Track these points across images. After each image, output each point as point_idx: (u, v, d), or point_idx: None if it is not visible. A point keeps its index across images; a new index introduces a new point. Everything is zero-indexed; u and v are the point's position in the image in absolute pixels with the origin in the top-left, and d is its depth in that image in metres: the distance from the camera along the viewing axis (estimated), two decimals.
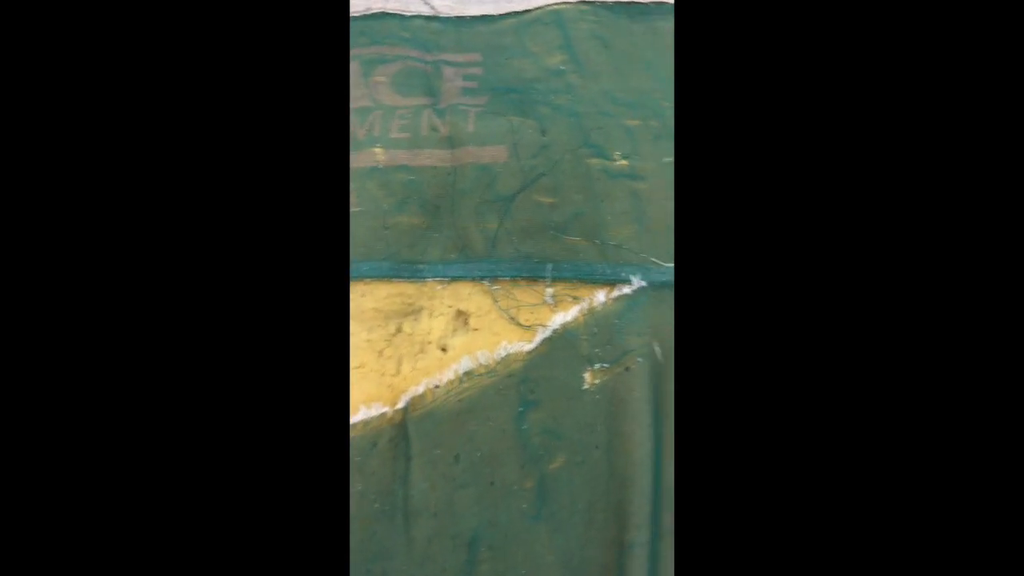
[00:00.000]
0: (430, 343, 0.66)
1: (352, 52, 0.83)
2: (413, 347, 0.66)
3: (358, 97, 0.79)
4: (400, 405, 0.63)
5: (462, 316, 0.68)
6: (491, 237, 0.71)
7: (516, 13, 0.98)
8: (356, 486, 0.60)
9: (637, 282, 0.68)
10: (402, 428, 0.62)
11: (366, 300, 0.67)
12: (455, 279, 0.69)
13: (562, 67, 0.87)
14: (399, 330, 0.66)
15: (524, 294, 0.68)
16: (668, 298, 0.68)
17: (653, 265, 0.69)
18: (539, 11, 0.96)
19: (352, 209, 0.72)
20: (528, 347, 0.65)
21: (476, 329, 0.67)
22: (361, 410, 0.62)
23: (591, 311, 0.67)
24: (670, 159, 0.76)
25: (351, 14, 0.89)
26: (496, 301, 0.68)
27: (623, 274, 0.69)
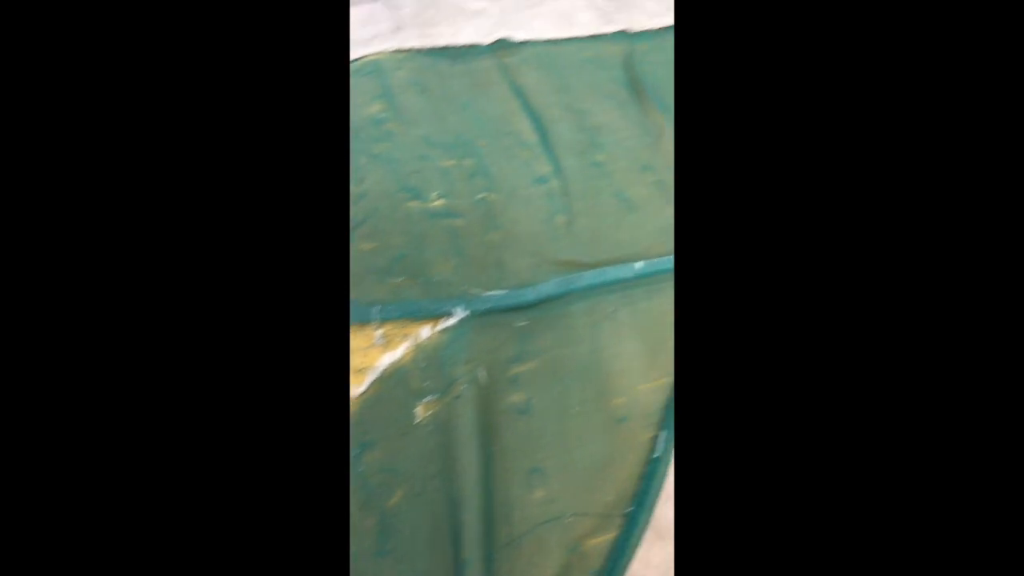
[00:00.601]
0: None
1: None
2: None
3: None
4: None
5: None
6: None
7: None
8: None
9: (460, 313, 0.73)
10: None
11: None
12: None
13: (381, 115, 0.91)
14: None
15: (355, 339, 0.71)
16: (490, 323, 0.73)
17: (474, 295, 0.74)
18: (359, 62, 1.00)
19: None
20: (359, 390, 0.68)
21: None
22: None
23: (418, 347, 0.71)
24: (484, 194, 0.82)
25: None
26: None
27: (445, 308, 0.73)
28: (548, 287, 0.76)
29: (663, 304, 0.76)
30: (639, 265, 0.78)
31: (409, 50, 1.02)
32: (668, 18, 1.10)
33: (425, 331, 0.72)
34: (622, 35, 1.06)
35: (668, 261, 0.78)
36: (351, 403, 0.67)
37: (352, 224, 0.78)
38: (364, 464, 0.65)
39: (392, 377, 0.69)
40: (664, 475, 0.67)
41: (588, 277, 0.77)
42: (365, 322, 0.72)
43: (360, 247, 0.76)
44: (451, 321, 0.73)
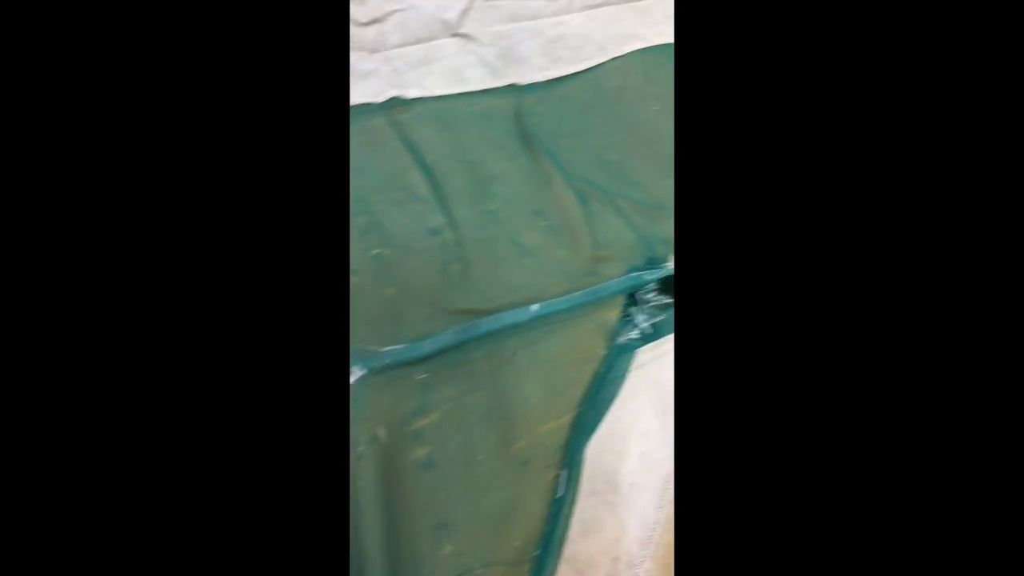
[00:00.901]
0: None
1: None
2: None
3: None
4: None
5: None
6: None
7: None
8: None
9: (357, 372, 0.72)
10: None
11: None
12: None
13: None
14: None
15: None
16: (389, 379, 0.73)
17: (370, 352, 0.74)
18: None
19: None
20: None
21: None
22: None
23: None
24: (378, 251, 0.83)
25: None
26: None
27: None
28: (446, 337, 0.77)
29: (560, 344, 0.78)
30: (535, 307, 0.80)
31: None
32: (555, 71, 1.17)
33: None
34: (511, 88, 1.11)
35: (563, 301, 0.81)
36: None
37: None
38: None
39: None
40: (569, 514, 0.68)
41: (486, 324, 0.78)
42: None
43: None
44: (350, 381, 0.72)
